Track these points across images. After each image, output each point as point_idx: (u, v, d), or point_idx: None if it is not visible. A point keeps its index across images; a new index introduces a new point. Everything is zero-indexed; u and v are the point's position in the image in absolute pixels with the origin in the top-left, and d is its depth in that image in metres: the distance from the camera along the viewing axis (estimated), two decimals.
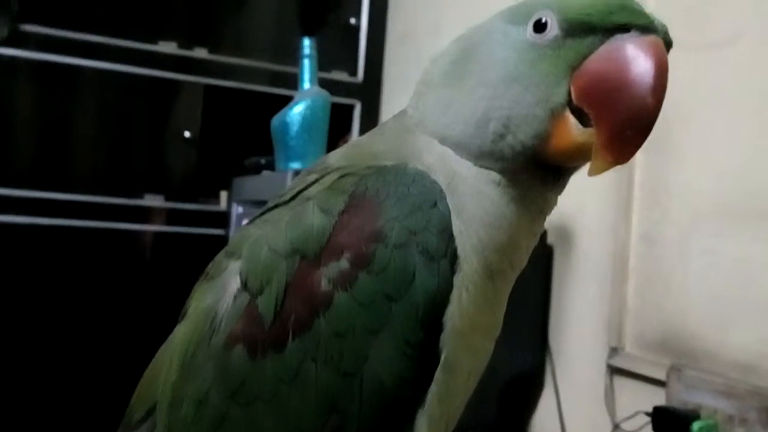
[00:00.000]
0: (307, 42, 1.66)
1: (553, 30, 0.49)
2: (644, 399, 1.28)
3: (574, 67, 0.48)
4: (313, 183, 0.53)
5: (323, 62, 1.72)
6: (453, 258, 0.48)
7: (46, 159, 2.00)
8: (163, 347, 0.55)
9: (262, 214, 0.55)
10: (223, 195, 2.15)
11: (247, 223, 0.57)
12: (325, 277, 0.47)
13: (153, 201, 2.09)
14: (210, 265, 0.56)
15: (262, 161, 1.79)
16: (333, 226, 0.48)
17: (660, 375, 1.26)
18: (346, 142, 2.41)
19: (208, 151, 2.21)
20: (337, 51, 2.27)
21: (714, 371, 1.18)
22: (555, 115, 0.48)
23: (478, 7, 0.55)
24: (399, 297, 0.47)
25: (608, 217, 1.43)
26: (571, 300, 1.53)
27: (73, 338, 1.98)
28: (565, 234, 1.52)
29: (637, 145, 0.46)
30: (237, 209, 1.87)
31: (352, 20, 2.38)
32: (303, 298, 0.48)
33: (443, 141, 0.53)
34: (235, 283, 0.51)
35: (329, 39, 1.81)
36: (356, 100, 2.38)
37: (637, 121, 0.46)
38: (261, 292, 0.49)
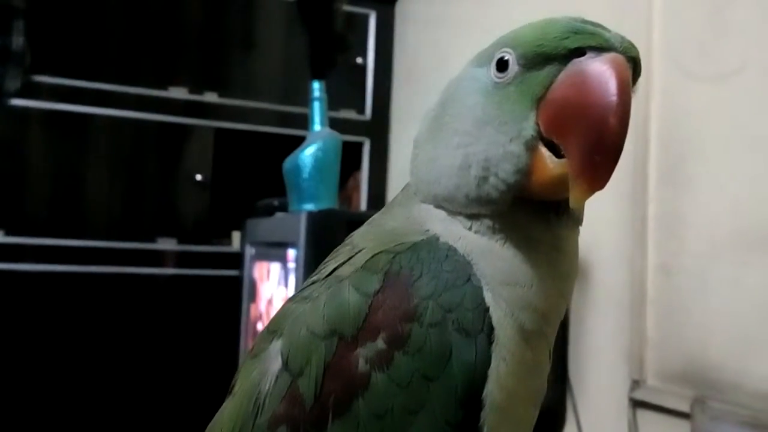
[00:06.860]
0: (316, 85, 1.68)
1: (513, 66, 0.49)
2: None
3: (539, 99, 0.48)
4: (345, 262, 0.53)
5: (331, 101, 1.73)
6: (489, 331, 0.47)
7: (59, 206, 2.01)
8: (212, 423, 0.55)
9: (302, 290, 0.55)
10: (235, 235, 2.16)
11: (288, 299, 0.57)
12: (362, 357, 0.47)
13: (166, 244, 2.10)
14: (255, 341, 0.56)
15: (275, 203, 1.79)
16: (369, 306, 0.48)
17: (684, 407, 1.24)
18: (356, 179, 2.43)
19: (220, 193, 2.22)
20: (344, 90, 2.28)
21: (739, 402, 1.16)
22: (530, 149, 0.48)
23: (481, 43, 0.56)
24: (436, 376, 0.46)
25: (624, 248, 1.41)
26: (590, 333, 1.50)
27: (90, 383, 1.98)
28: (581, 266, 1.51)
29: (609, 169, 0.45)
30: (250, 250, 1.87)
31: (359, 60, 2.41)
32: (341, 380, 0.47)
33: (435, 200, 0.53)
34: (276, 363, 0.51)
35: (337, 79, 1.83)
36: (365, 138, 2.40)
37: (602, 144, 0.45)
38: (301, 373, 0.49)
